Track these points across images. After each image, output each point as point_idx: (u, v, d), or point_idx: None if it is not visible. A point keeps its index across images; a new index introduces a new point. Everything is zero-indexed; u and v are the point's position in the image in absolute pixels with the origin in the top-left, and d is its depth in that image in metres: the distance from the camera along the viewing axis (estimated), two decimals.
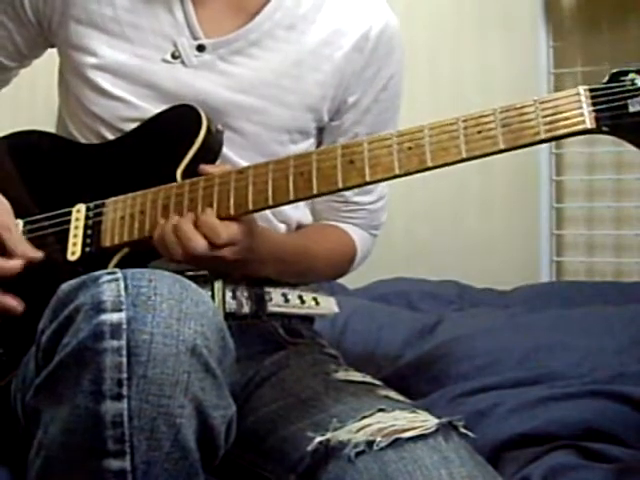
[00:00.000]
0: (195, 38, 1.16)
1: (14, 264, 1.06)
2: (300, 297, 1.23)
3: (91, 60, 1.18)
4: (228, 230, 1.01)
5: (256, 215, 1.06)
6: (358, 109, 1.24)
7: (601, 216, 2.36)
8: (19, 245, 1.07)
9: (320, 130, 1.25)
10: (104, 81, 1.17)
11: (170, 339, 0.79)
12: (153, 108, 1.15)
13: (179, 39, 1.16)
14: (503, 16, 2.41)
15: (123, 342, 0.77)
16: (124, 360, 0.77)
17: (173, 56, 1.16)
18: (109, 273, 0.82)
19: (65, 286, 0.85)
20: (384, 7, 1.25)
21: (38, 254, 1.08)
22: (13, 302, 1.05)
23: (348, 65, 1.21)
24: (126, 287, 0.80)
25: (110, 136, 1.18)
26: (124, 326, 0.78)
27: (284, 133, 1.20)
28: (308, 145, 1.23)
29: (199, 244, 1.00)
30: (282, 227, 1.24)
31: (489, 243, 2.44)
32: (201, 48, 1.16)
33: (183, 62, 1.16)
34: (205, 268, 1.09)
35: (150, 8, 1.17)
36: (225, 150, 1.14)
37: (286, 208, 1.21)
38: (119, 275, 0.81)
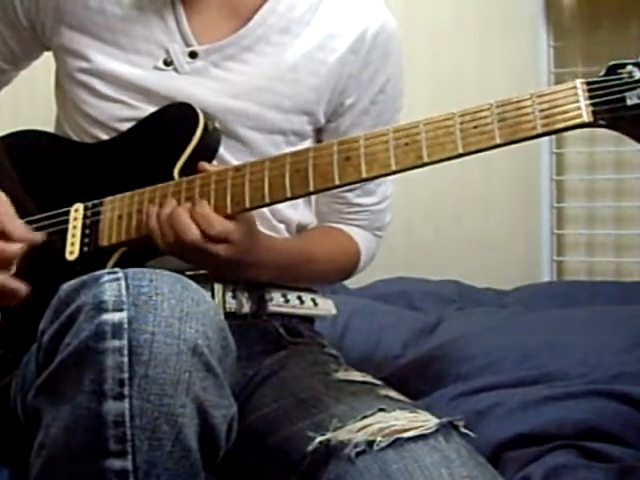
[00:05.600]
0: (187, 45, 1.16)
1: (15, 247, 1.05)
2: (299, 298, 1.23)
3: (84, 65, 1.18)
4: (223, 223, 1.01)
5: (254, 214, 1.06)
6: (355, 111, 1.23)
7: (601, 216, 2.37)
8: (17, 229, 1.06)
9: (319, 131, 1.25)
10: (97, 85, 1.17)
11: (171, 339, 0.79)
12: (148, 109, 1.15)
13: (171, 46, 1.16)
14: (503, 16, 2.42)
15: (124, 342, 0.77)
16: (125, 360, 0.77)
17: (165, 63, 1.16)
18: (110, 273, 0.82)
19: (66, 286, 0.85)
20: (381, 8, 1.24)
21: (37, 235, 1.08)
22: (17, 283, 1.05)
23: (344, 68, 1.20)
24: (127, 287, 0.80)
25: (107, 138, 1.18)
26: (125, 326, 0.78)
27: (279, 136, 1.20)
28: (305, 146, 1.22)
29: (193, 232, 1.00)
30: (281, 227, 1.24)
31: (490, 243, 2.44)
32: (193, 55, 1.16)
33: (175, 69, 1.16)
34: (202, 267, 1.08)
35: (142, 15, 1.16)
36: (220, 151, 1.14)
37: (284, 208, 1.21)
38: (120, 275, 0.81)
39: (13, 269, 1.07)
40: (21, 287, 1.05)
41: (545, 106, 0.92)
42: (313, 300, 1.25)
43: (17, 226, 1.07)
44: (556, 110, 0.91)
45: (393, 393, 1.07)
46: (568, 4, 2.36)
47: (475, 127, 0.93)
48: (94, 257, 1.08)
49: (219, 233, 1.00)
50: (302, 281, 1.23)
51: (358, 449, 0.91)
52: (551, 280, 2.35)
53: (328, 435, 0.94)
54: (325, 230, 1.30)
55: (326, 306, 1.28)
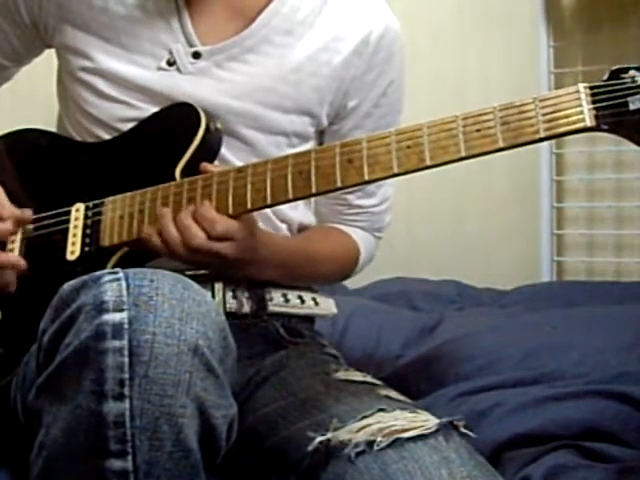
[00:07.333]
0: (190, 45, 1.16)
1: (5, 225, 1.09)
2: (300, 297, 1.23)
3: (87, 64, 1.18)
4: (226, 223, 1.01)
5: (256, 214, 1.07)
6: (358, 114, 1.23)
7: (601, 216, 2.36)
8: (5, 208, 1.09)
9: (321, 133, 1.25)
10: (100, 84, 1.17)
11: (172, 339, 0.79)
12: (150, 109, 1.15)
13: (174, 46, 1.16)
14: (503, 16, 2.41)
15: (125, 342, 0.77)
16: (126, 360, 0.77)
17: (169, 63, 1.16)
18: (110, 273, 0.82)
19: (66, 286, 0.85)
20: (385, 11, 1.24)
21: (26, 212, 1.11)
22: (15, 257, 1.09)
23: (348, 70, 1.20)
24: (128, 287, 0.80)
25: (109, 138, 1.18)
26: (126, 326, 0.78)
27: (282, 137, 1.20)
28: (307, 148, 1.22)
29: (197, 234, 1.00)
30: (283, 227, 1.24)
31: (489, 243, 2.44)
32: (197, 55, 1.16)
33: (179, 69, 1.16)
34: (206, 267, 1.09)
35: (145, 15, 1.16)
36: (223, 152, 1.14)
37: (285, 208, 1.21)
38: (120, 275, 0.81)
39: (10, 247, 1.10)
40: (20, 260, 1.09)
41: (548, 110, 0.92)
42: (314, 299, 1.25)
43: (5, 206, 1.09)
44: (559, 114, 0.91)
45: (393, 393, 1.07)
46: (568, 4, 2.36)
47: (478, 130, 0.93)
48: (95, 257, 1.08)
49: (222, 234, 1.01)
50: (302, 280, 1.23)
51: (358, 449, 0.91)
52: (551, 280, 2.35)
53: (328, 435, 0.94)
54: (326, 230, 1.29)
55: (327, 305, 1.28)
